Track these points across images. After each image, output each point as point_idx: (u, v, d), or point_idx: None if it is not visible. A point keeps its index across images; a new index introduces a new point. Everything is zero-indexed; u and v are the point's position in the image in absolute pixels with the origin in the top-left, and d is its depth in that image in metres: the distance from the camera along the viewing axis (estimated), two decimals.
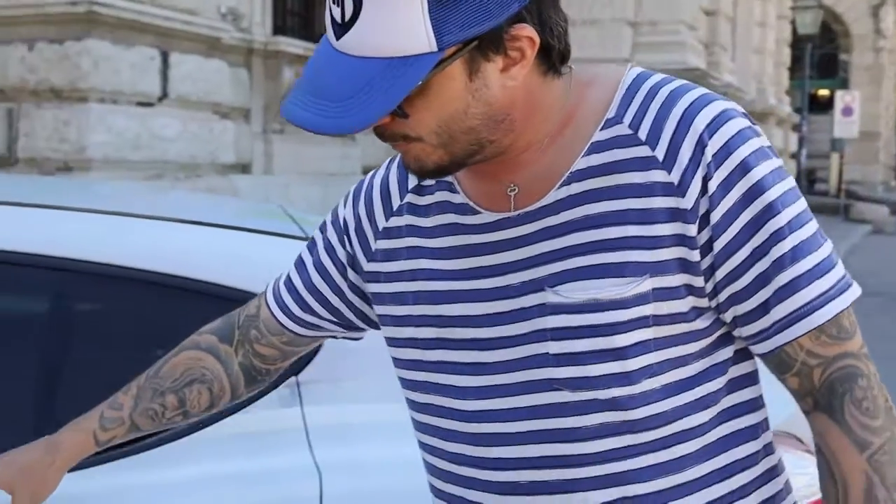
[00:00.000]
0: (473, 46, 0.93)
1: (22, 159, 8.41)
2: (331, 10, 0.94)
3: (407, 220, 1.12)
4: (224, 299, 1.43)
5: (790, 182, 1.02)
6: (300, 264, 1.24)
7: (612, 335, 0.98)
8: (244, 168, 12.54)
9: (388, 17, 0.90)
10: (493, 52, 0.95)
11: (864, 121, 30.42)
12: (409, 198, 1.12)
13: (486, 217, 1.05)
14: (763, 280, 0.98)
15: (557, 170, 1.02)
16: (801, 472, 1.64)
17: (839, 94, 24.98)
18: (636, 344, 0.98)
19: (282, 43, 12.41)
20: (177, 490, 1.33)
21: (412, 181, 1.12)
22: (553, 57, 1.01)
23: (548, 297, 1.00)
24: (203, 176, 11.22)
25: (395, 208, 1.13)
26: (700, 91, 1.03)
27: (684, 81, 1.05)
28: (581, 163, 1.01)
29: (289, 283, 1.24)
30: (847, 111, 22.92)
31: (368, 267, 1.15)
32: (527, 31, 0.96)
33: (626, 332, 0.98)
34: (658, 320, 0.99)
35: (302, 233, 1.61)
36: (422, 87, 0.92)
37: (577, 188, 1.01)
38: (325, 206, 14.12)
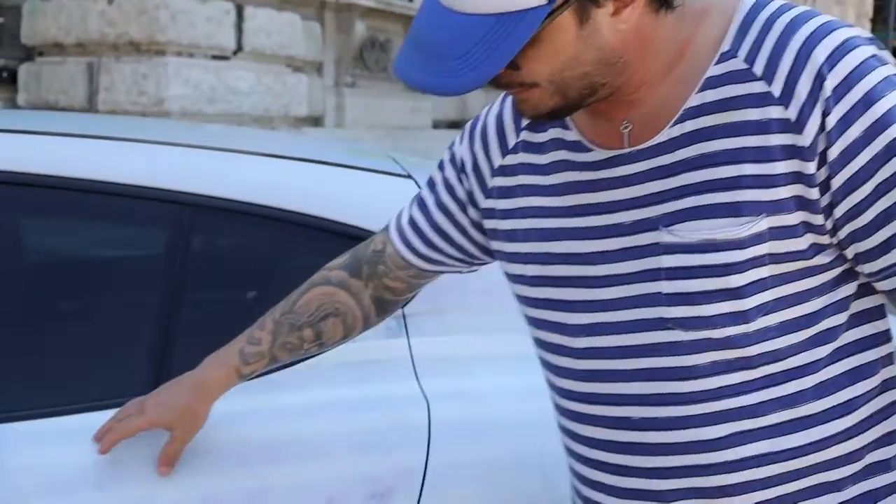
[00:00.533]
0: None
1: (102, 112, 8.60)
2: None
3: (521, 157, 1.12)
4: (340, 235, 1.48)
5: None
6: (421, 203, 1.26)
7: (727, 275, 0.96)
8: (316, 121, 12.63)
9: None
10: None
11: None
12: (524, 135, 1.13)
13: (599, 154, 1.05)
14: (886, 217, 0.95)
15: (671, 107, 1.00)
16: None
17: None
18: (752, 283, 0.97)
19: None
20: (289, 415, 1.39)
21: (524, 119, 1.13)
22: None
23: (662, 236, 0.99)
24: (276, 129, 11.34)
25: (510, 146, 1.14)
26: (821, 19, 0.98)
27: (805, 8, 1.00)
28: (695, 99, 0.99)
29: (412, 221, 1.26)
30: None
31: (485, 204, 1.17)
32: None
33: (741, 272, 0.96)
34: (775, 259, 0.97)
35: (405, 172, 1.64)
36: (532, 39, 0.91)
37: (690, 126, 0.99)
38: None
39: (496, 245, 1.16)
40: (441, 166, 1.25)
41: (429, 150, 14.32)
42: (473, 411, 1.42)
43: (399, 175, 1.62)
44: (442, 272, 1.30)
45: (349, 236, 1.48)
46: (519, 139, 1.13)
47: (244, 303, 1.58)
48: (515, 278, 1.13)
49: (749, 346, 0.98)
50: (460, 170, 1.20)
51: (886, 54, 0.99)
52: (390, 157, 1.74)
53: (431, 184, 1.26)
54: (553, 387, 1.13)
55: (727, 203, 0.96)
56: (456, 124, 15.96)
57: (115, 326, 1.51)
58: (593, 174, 1.05)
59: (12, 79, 8.30)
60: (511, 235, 1.12)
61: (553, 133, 1.09)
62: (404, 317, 1.47)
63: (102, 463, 1.31)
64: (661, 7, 0.99)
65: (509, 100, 1.15)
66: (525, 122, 1.13)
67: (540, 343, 1.13)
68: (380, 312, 1.31)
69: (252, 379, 1.31)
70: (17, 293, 1.54)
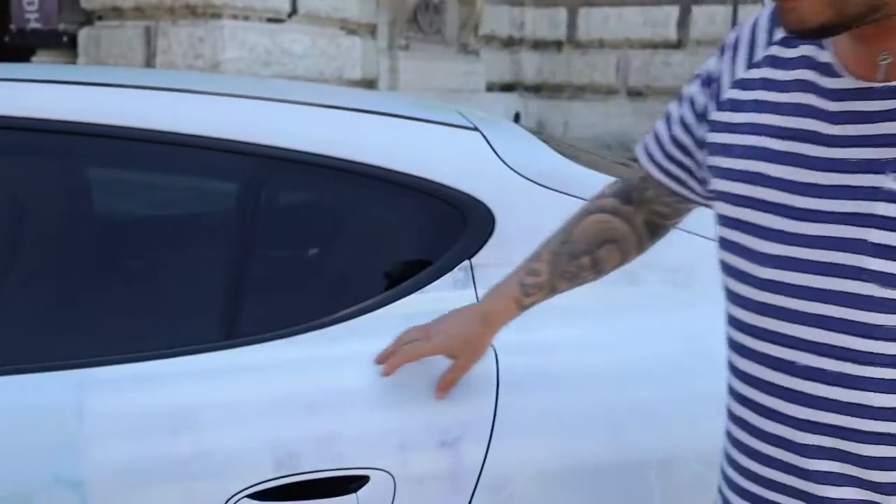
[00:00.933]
0: None
1: None
2: None
3: (763, 72, 1.05)
4: (409, 188, 1.49)
5: None
6: (667, 117, 1.23)
7: None
8: (370, 84, 12.63)
9: None
10: None
11: None
12: (773, 49, 1.05)
13: (846, 83, 0.97)
14: None
15: None
16: None
17: None
18: None
19: None
20: (360, 363, 1.40)
21: (778, 32, 1.05)
22: None
23: (886, 181, 0.92)
24: None
25: (755, 59, 1.07)
26: None
27: None
28: None
29: (655, 134, 1.24)
30: None
31: (713, 116, 1.11)
32: None
33: None
34: None
35: (471, 124, 1.64)
36: None
37: None
38: None
39: (712, 160, 1.10)
40: (690, 82, 1.21)
41: (481, 112, 14.29)
42: (541, 362, 1.43)
43: (466, 128, 1.62)
44: (687, 197, 1.25)
45: (418, 189, 1.48)
46: (767, 53, 1.06)
47: (316, 256, 1.59)
48: (720, 195, 1.08)
49: None
50: (706, 82, 1.14)
51: None
52: (456, 111, 1.74)
53: (679, 97, 1.21)
54: (728, 317, 1.08)
55: None
56: (510, 87, 15.86)
57: (187, 278, 1.54)
58: (834, 104, 0.97)
59: (73, 43, 8.41)
60: (728, 150, 1.06)
61: (804, 50, 1.01)
62: (472, 268, 1.47)
63: (176, 408, 1.35)
64: None
65: (767, 11, 1.07)
66: (779, 36, 1.05)
67: (725, 267, 1.09)
68: (651, 236, 1.32)
69: (528, 308, 1.35)
70: (93, 244, 1.57)
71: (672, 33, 15.35)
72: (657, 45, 15.47)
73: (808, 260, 0.97)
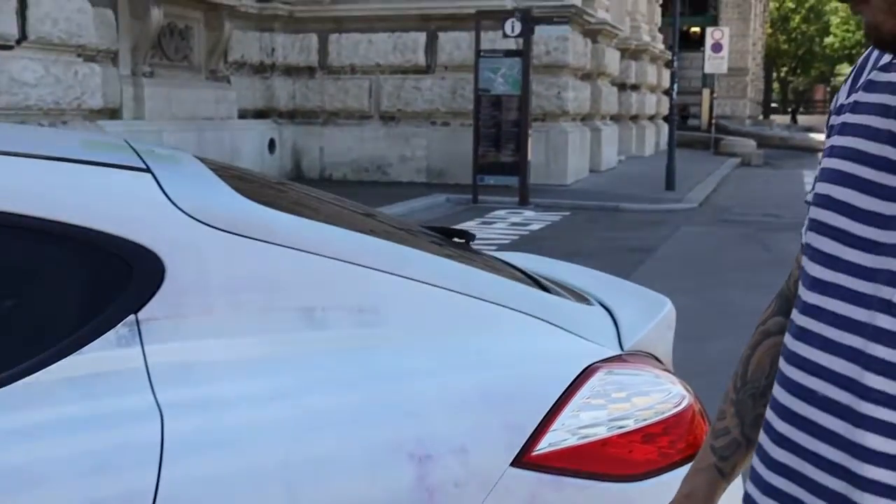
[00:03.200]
0: None
1: None
2: None
3: (858, 96, 1.01)
4: (67, 239, 1.35)
5: None
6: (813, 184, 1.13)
7: None
8: (113, 113, 12.06)
9: None
10: None
11: (733, 57, 31.26)
12: (873, 74, 1.01)
13: None
14: None
15: None
16: (657, 390, 1.68)
17: (709, 30, 25.53)
18: None
19: None
20: (4, 440, 1.25)
21: (885, 57, 1.01)
22: None
23: None
24: (69, 122, 10.74)
25: (857, 85, 1.04)
26: None
27: None
28: None
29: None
30: (717, 47, 23.47)
31: (826, 144, 1.06)
32: None
33: None
34: None
35: (144, 164, 1.52)
36: None
37: None
38: (199, 152, 13.73)
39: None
40: None
41: (234, 140, 13.99)
42: (212, 421, 1.33)
43: (135, 169, 1.50)
44: None
45: (76, 239, 1.36)
46: (868, 77, 1.02)
47: None
48: (807, 223, 1.04)
49: None
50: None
51: None
52: (133, 150, 1.61)
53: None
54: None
55: None
56: (263, 113, 15.65)
57: None
58: None
59: None
60: (820, 174, 1.02)
61: None
62: (138, 323, 1.35)
63: None
64: None
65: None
66: (883, 62, 1.00)
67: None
68: None
69: (735, 474, 1.18)
70: None
71: (421, 59, 15.73)
72: (407, 71, 15.80)
73: (846, 287, 0.94)
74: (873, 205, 0.93)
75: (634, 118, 22.76)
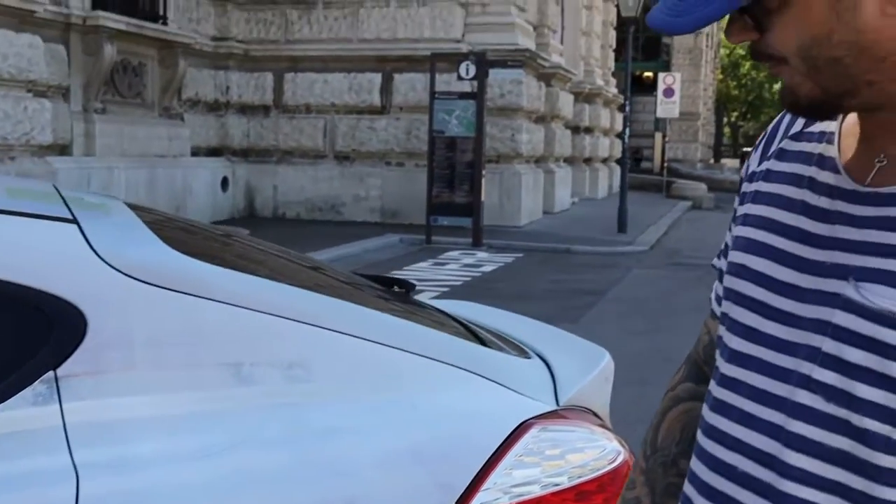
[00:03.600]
0: None
1: None
2: None
3: (770, 164, 1.02)
4: None
5: None
6: (723, 250, 1.12)
7: (892, 360, 0.83)
8: (63, 149, 11.91)
9: None
10: None
11: (685, 102, 31.86)
12: (784, 143, 1.02)
13: (841, 181, 0.92)
14: None
15: None
16: (592, 446, 1.67)
17: (661, 76, 26.00)
18: None
19: (102, 17, 11.84)
20: None
21: (795, 126, 1.02)
22: None
23: (846, 288, 0.87)
24: (17, 158, 10.59)
25: (769, 152, 1.04)
26: None
27: None
28: None
29: (720, 273, 1.11)
30: (669, 92, 23.88)
31: (738, 211, 1.06)
32: None
33: None
34: None
35: (70, 214, 1.48)
36: (780, 1, 0.83)
37: None
38: (151, 190, 13.69)
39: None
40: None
41: (186, 177, 13.88)
42: (130, 482, 1.29)
43: (60, 219, 1.46)
44: None
45: None
46: (779, 146, 1.03)
47: None
48: (724, 293, 1.02)
49: (889, 454, 0.84)
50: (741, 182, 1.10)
51: None
52: (62, 199, 1.58)
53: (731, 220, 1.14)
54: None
55: None
56: (217, 151, 15.56)
57: None
58: (829, 202, 0.92)
59: None
60: (734, 243, 1.02)
61: (812, 147, 0.98)
62: (57, 380, 1.31)
63: None
64: None
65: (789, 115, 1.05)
66: (794, 130, 1.02)
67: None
68: None
69: None
70: None
71: (376, 99, 15.77)
72: (362, 111, 15.83)
73: (762, 360, 0.93)
74: (790, 277, 0.93)
75: (588, 161, 23.01)
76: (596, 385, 1.89)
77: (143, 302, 1.39)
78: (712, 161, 44.71)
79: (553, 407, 1.68)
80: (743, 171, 1.09)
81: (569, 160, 20.49)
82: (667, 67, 33.75)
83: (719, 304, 1.08)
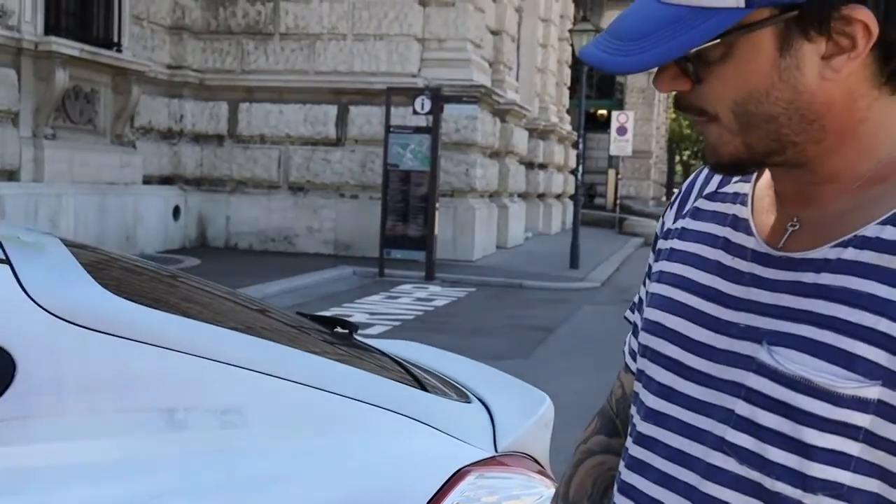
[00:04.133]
0: (791, 17, 0.82)
1: None
2: None
3: (685, 223, 1.03)
4: None
5: None
6: (633, 305, 1.14)
7: (804, 425, 0.84)
8: (10, 175, 11.72)
9: None
10: (815, 31, 0.82)
11: (638, 140, 32.31)
12: (699, 202, 1.04)
13: (754, 243, 0.94)
14: None
15: (845, 224, 0.88)
16: (529, 493, 1.67)
17: (615, 114, 26.37)
18: (830, 451, 0.83)
19: (54, 43, 11.71)
20: None
21: (710, 186, 1.04)
22: (893, 63, 0.85)
23: (759, 352, 0.88)
24: None
25: (684, 211, 1.05)
26: None
27: None
28: (871, 230, 0.86)
29: (634, 327, 1.12)
30: (622, 130, 24.22)
31: (653, 267, 1.08)
32: (862, 14, 0.81)
33: (822, 430, 0.83)
34: (874, 441, 0.82)
35: (3, 254, 1.46)
36: (723, 51, 0.84)
37: (851, 255, 0.86)
38: (101, 218, 13.50)
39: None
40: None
41: (137, 205, 13.73)
42: None
43: None
44: None
45: None
46: (694, 204, 1.04)
47: None
48: (639, 349, 1.04)
49: None
50: (655, 237, 1.11)
51: None
52: None
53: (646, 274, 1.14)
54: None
55: (845, 350, 0.83)
56: (169, 179, 15.42)
57: None
58: (737, 262, 0.94)
59: None
60: (650, 300, 1.03)
61: (727, 208, 0.99)
62: None
63: None
64: (889, 83, 0.85)
65: (706, 170, 1.05)
66: (708, 190, 1.03)
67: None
68: None
69: None
70: None
71: (331, 131, 15.76)
72: (317, 142, 15.81)
73: (680, 420, 0.93)
74: (706, 337, 0.94)
75: (542, 196, 23.19)
76: (536, 430, 1.90)
77: (74, 345, 1.38)
78: (664, 198, 45.31)
79: (491, 453, 1.68)
80: (658, 227, 1.11)
81: (523, 195, 20.63)
82: (620, 106, 34.22)
83: (634, 359, 1.09)
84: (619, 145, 24.20)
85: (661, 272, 1.03)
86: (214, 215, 15.53)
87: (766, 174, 0.97)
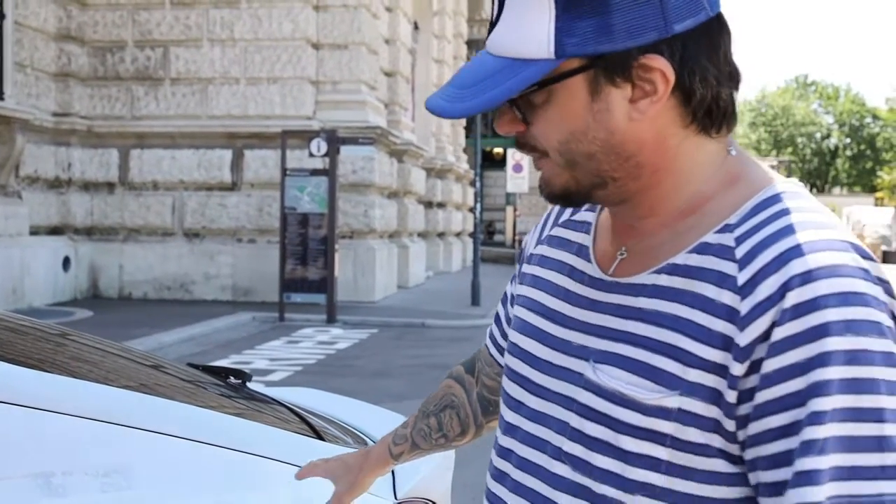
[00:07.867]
0: (599, 66, 0.92)
1: None
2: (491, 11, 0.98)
3: (543, 250, 1.15)
4: None
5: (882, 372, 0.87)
6: (504, 297, 1.29)
7: (621, 434, 0.95)
8: None
9: (519, 21, 0.93)
10: (620, 78, 0.92)
11: (534, 176, 32.73)
12: (555, 230, 1.15)
13: (591, 268, 1.06)
14: (784, 458, 0.88)
15: (663, 253, 0.99)
16: None
17: (510, 151, 26.69)
18: (643, 456, 0.94)
19: None
20: None
21: (565, 214, 1.16)
22: (693, 105, 0.95)
23: (587, 369, 0.99)
24: None
25: (542, 237, 1.17)
26: (825, 233, 0.91)
27: (819, 218, 0.94)
28: (681, 258, 0.97)
29: (496, 316, 1.30)
30: (517, 168, 24.52)
31: (515, 290, 1.22)
32: (659, 63, 0.92)
33: (635, 437, 0.94)
34: (678, 444, 0.93)
35: None
36: (545, 97, 0.94)
37: (665, 281, 0.97)
38: None
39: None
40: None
41: (25, 257, 13.25)
42: None
43: None
44: None
45: None
46: (551, 232, 1.16)
47: None
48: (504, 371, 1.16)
49: None
50: (520, 258, 1.24)
51: (883, 296, 0.90)
52: None
53: (513, 277, 1.28)
54: None
55: (651, 365, 0.94)
56: (58, 230, 14.94)
57: None
58: (577, 286, 1.06)
59: None
60: (513, 322, 1.15)
61: (577, 237, 1.11)
62: None
63: None
64: (693, 124, 0.96)
65: None
66: (563, 219, 1.15)
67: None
68: (485, 413, 1.34)
69: (400, 461, 1.40)
70: None
71: (227, 176, 15.54)
72: (212, 187, 15.55)
73: (527, 432, 1.04)
74: (547, 355, 1.05)
75: (441, 235, 23.30)
76: (437, 473, 1.87)
77: None
78: None
79: (391, 501, 1.65)
80: (522, 252, 1.23)
81: (422, 234, 20.69)
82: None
83: (494, 342, 1.29)
84: (516, 182, 24.49)
85: (520, 296, 1.15)
86: (107, 265, 15.10)
87: None
